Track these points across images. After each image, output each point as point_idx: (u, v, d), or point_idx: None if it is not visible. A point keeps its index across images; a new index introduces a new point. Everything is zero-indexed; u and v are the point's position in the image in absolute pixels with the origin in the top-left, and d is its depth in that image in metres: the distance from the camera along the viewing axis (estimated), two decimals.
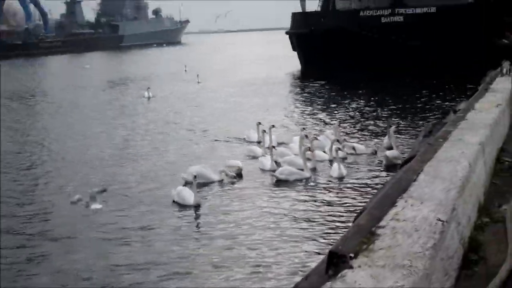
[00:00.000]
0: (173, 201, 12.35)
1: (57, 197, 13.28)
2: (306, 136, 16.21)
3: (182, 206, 12.06)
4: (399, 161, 14.86)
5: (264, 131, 16.88)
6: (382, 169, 14.87)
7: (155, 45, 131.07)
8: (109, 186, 13.60)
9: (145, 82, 42.46)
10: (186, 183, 13.14)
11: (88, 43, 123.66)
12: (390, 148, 15.77)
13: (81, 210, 12.24)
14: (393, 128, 16.34)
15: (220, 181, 13.83)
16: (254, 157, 16.26)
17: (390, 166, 14.74)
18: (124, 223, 11.25)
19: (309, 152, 14.93)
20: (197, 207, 11.96)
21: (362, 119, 22.70)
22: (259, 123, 17.97)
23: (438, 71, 35.28)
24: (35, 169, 16.53)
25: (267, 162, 15.12)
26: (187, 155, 17.11)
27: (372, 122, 21.96)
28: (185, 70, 49.41)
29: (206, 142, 19.01)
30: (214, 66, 57.57)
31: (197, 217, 11.68)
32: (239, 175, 14.31)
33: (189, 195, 12.13)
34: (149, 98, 31.14)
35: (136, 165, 16.11)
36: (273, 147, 15.38)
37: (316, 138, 16.10)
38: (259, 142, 17.53)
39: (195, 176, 12.31)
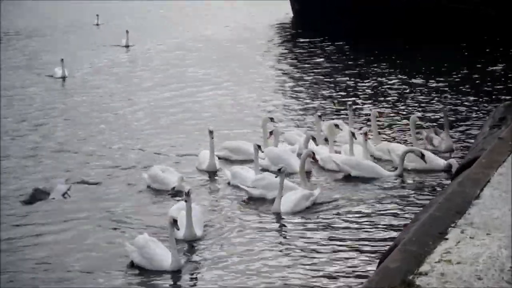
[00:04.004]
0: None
1: None
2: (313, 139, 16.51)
3: None
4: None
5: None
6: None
7: None
8: None
9: (43, 40, 41.70)
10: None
11: None
12: (450, 150, 16.28)
13: None
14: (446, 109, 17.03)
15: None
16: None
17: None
18: None
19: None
20: None
21: (385, 100, 22.96)
22: (272, 118, 17.80)
23: None
24: None
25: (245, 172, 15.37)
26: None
27: (404, 103, 22.27)
28: (97, 24, 48.56)
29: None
30: (150, 14, 56.88)
31: None
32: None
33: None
34: (64, 78, 30.13)
35: None
36: (259, 146, 15.62)
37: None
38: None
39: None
